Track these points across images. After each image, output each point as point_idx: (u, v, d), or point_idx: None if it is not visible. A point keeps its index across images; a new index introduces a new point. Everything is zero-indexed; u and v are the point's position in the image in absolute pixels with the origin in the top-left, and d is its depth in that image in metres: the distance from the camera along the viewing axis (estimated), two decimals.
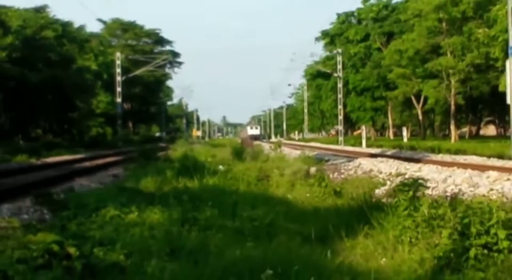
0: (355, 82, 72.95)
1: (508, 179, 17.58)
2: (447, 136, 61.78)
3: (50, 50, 57.21)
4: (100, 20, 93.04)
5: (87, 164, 31.71)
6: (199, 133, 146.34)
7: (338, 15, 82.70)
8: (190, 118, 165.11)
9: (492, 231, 9.01)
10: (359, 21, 78.65)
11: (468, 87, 55.84)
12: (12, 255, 7.39)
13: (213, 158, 31.96)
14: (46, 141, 56.48)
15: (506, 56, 29.70)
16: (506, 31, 29.88)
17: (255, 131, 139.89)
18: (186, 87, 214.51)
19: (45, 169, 28.62)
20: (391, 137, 77.06)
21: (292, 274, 6.82)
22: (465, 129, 76.13)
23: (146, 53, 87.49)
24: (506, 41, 29.96)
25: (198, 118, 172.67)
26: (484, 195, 14.53)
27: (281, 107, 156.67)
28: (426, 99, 62.22)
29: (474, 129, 79.83)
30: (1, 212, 12.40)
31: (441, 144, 46.46)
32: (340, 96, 65.58)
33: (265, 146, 56.11)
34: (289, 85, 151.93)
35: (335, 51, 71.62)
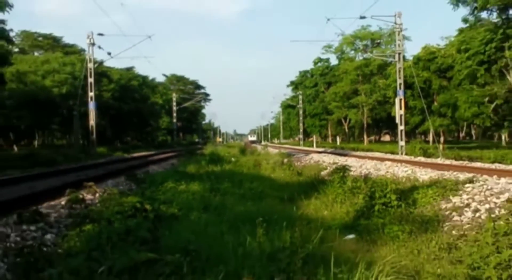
0: (309, 110, 72.63)
1: (397, 166, 17.62)
2: (362, 141, 61.59)
3: (135, 92, 57.05)
4: (164, 75, 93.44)
5: (156, 157, 31.60)
6: (220, 139, 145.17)
7: (300, 72, 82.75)
8: (215, 131, 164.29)
9: (388, 195, 9.10)
10: (312, 75, 78.18)
11: (374, 113, 55.77)
12: (113, 209, 7.39)
13: (228, 154, 31.89)
14: (133, 144, 56.49)
15: (395, 96, 29.74)
16: (395, 81, 29.97)
17: (253, 138, 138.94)
18: (212, 112, 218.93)
19: (132, 160, 28.53)
20: (330, 142, 76.83)
21: (273, 220, 6.83)
22: (372, 137, 75.98)
23: (190, 94, 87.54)
24: (395, 87, 30.01)
25: (219, 131, 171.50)
26: (383, 175, 14.59)
27: (267, 124, 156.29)
28: (350, 120, 62.23)
29: (377, 137, 79.91)
30: (107, 184, 12.38)
31: (358, 145, 46.51)
32: (301, 118, 65.48)
33: (258, 147, 56.01)
34: (272, 112, 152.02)
35: (298, 93, 71.55)
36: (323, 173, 17.60)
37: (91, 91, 31.13)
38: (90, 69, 31.33)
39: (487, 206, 8.31)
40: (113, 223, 6.73)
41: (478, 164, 17.63)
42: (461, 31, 36.82)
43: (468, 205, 8.61)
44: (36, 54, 52.13)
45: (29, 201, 8.82)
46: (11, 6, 22.83)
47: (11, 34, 31.93)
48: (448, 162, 19.59)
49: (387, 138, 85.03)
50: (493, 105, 34.08)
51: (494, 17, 27.44)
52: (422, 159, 22.41)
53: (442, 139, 41.68)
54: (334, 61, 71.24)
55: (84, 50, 48.95)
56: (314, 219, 8.17)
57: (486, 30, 30.36)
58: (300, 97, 67.00)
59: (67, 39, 60.13)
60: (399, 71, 27.87)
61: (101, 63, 35.72)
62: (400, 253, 5.79)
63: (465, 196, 9.23)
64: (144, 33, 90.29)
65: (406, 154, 26.67)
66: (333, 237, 6.31)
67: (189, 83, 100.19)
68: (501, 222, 5.60)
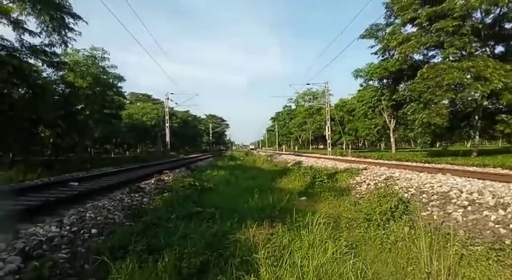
0: (281, 132, 72.36)
1: (327, 161, 17.53)
2: (308, 148, 61.39)
3: (190, 123, 56.64)
4: (205, 114, 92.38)
5: (201, 157, 31.10)
6: (235, 148, 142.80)
7: (276, 112, 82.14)
8: (232, 143, 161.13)
9: (322, 176, 9.04)
10: (282, 114, 77.73)
11: (315, 133, 55.60)
12: (178, 185, 7.33)
13: (239, 155, 31.71)
14: (189, 151, 55.86)
15: (325, 124, 29.72)
16: (325, 117, 29.96)
17: (252, 146, 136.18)
18: (230, 133, 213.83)
19: (188, 159, 27.98)
20: (292, 149, 76.33)
21: (263, 190, 6.79)
22: (314, 146, 74.93)
23: (218, 124, 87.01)
24: (326, 120, 29.99)
25: (234, 143, 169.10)
26: (320, 165, 14.52)
27: (260, 139, 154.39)
28: (302, 137, 62.02)
29: (316, 146, 78.68)
30: (175, 171, 12.27)
31: (307, 150, 46.39)
32: (277, 136, 65.43)
33: (255, 152, 55.72)
34: (262, 133, 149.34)
35: (275, 123, 71.62)
36: (289, 165, 17.52)
37: (167, 123, 31.11)
38: (166, 112, 31.44)
39: (374, 182, 8.32)
40: (179, 192, 6.69)
41: (369, 160, 17.60)
42: (359, 90, 37.32)
43: (364, 181, 8.61)
44: (138, 104, 51.85)
45: (135, 180, 8.74)
46: (125, 80, 23.86)
47: (125, 94, 31.96)
48: (353, 159, 19.56)
49: (321, 146, 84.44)
50: (376, 129, 34.66)
51: (376, 83, 28.00)
52: (340, 157, 22.38)
53: (350, 147, 41.85)
54: (294, 106, 71.43)
55: (163, 101, 48.83)
56: (284, 189, 8.13)
57: (372, 90, 30.90)
58: (276, 125, 67.01)
59: (155, 96, 59.70)
60: (328, 112, 28.11)
61: (172, 108, 35.77)
62: (329, 207, 5.77)
63: (362, 177, 9.24)
64: (195, 92, 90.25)
65: (332, 155, 26.67)
66: (294, 198, 6.29)
67: (218, 118, 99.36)
68: (382, 190, 5.65)
